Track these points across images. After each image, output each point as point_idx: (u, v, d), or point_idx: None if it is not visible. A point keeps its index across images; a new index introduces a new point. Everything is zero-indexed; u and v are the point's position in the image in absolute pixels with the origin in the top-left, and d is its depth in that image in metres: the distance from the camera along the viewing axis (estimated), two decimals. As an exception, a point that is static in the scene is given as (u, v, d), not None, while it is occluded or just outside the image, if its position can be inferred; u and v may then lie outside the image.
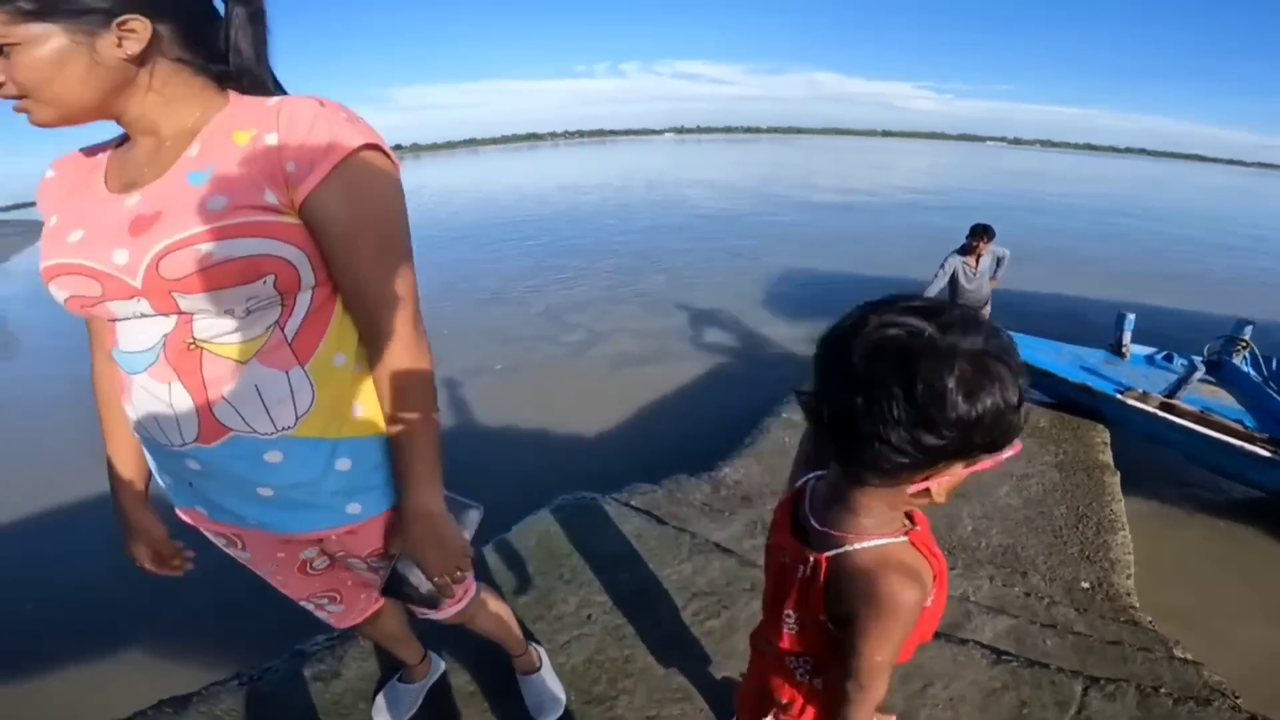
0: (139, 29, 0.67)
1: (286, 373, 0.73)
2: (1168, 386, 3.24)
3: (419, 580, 0.87)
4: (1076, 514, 2.60)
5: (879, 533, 0.67)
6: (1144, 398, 3.10)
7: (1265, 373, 3.36)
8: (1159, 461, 3.32)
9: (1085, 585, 2.14)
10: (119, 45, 0.66)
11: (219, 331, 0.70)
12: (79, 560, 3.12)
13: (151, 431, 0.75)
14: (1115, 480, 2.88)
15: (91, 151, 0.80)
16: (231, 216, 0.66)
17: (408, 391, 0.76)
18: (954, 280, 4.04)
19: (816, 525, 0.71)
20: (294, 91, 0.77)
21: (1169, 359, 3.77)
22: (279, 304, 0.71)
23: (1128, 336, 3.77)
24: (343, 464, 0.77)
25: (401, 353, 0.75)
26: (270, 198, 0.67)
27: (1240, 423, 3.06)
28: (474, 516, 0.90)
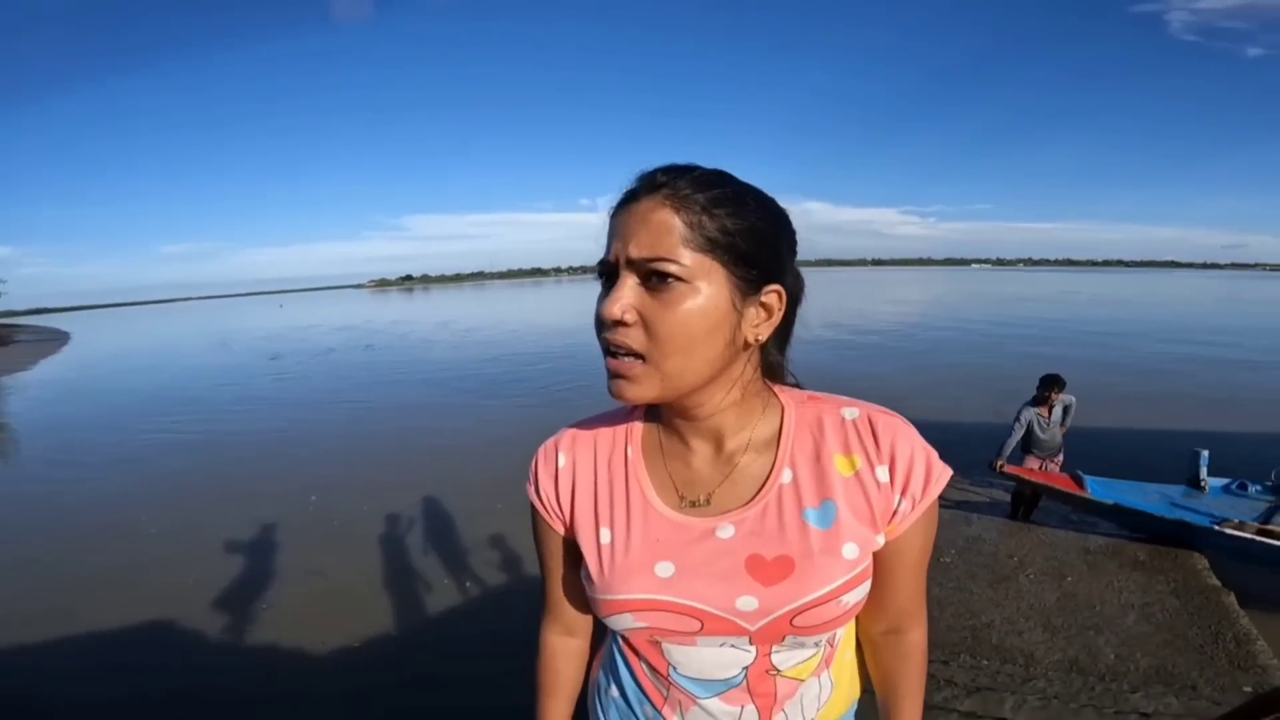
0: (775, 306, 0.63)
1: (819, 678, 0.74)
2: (1261, 513, 3.74)
3: None
4: (1211, 632, 3.02)
5: None
6: (1241, 526, 3.61)
7: None
8: (1260, 578, 3.71)
9: (1248, 689, 2.57)
10: (755, 321, 0.62)
11: (796, 660, 0.71)
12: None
13: None
14: (1232, 599, 3.32)
15: (594, 430, 0.75)
16: (861, 564, 0.65)
17: (922, 667, 0.79)
18: (1029, 431, 4.46)
19: None
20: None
21: (1243, 487, 4.31)
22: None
23: (1204, 471, 4.32)
24: None
25: (922, 638, 0.78)
26: (880, 539, 0.67)
27: None
28: None
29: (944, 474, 0.67)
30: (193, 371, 18.58)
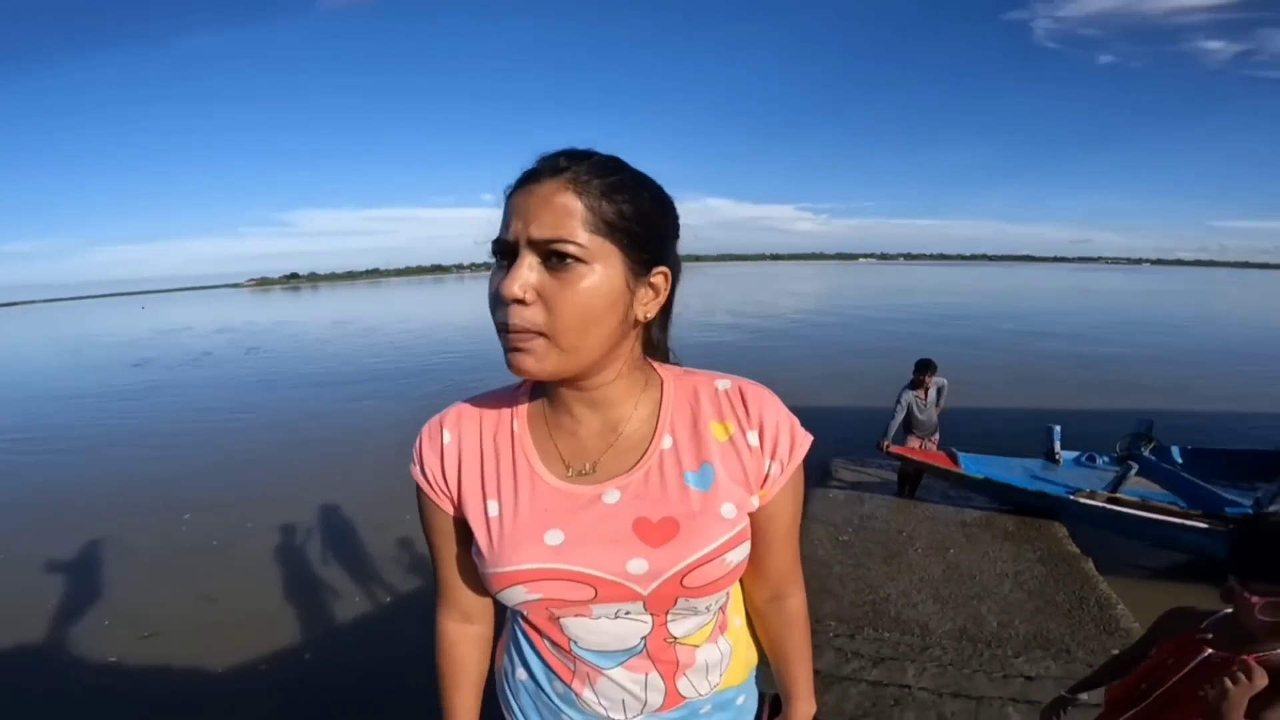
0: (662, 286, 0.66)
1: (716, 643, 0.78)
2: (1109, 483, 4.15)
3: None
4: (1076, 597, 3.31)
5: None
6: (1093, 495, 4.00)
7: (1177, 461, 4.44)
8: (1111, 543, 4.16)
9: (1115, 652, 2.85)
10: (645, 301, 0.65)
11: (691, 628, 0.74)
12: None
13: (610, 709, 0.76)
14: (1090, 565, 3.67)
15: (479, 407, 0.76)
16: (739, 523, 0.69)
17: (806, 630, 0.85)
18: (909, 413, 4.74)
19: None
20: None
21: (1092, 459, 4.83)
22: (728, 592, 0.77)
23: (1058, 445, 4.81)
24: (740, 699, 0.84)
25: (802, 603, 0.84)
26: (755, 500, 0.71)
27: (1175, 504, 3.95)
28: None
29: (806, 439, 0.73)
30: (36, 384, 16.24)
